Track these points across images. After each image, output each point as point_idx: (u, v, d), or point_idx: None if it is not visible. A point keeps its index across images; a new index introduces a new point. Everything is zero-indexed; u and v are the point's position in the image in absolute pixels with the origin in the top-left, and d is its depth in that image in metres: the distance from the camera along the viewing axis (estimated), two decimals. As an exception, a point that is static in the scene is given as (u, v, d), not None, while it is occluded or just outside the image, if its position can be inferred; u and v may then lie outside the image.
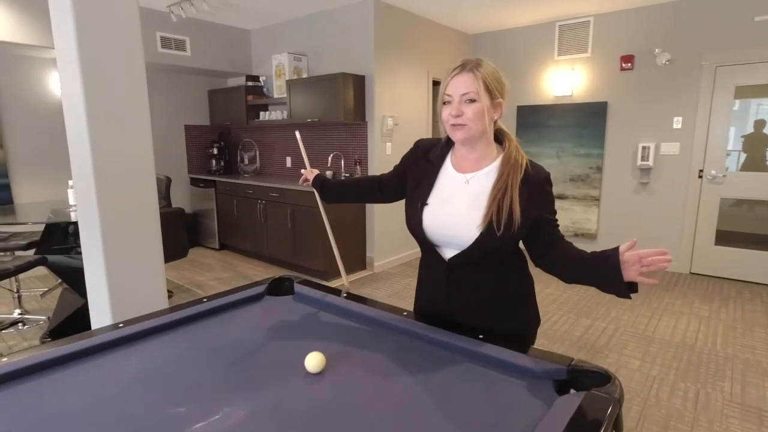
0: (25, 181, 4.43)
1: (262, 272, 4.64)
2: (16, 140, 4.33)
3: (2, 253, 3.12)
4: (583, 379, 1.02)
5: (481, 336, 1.22)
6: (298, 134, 1.82)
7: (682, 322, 3.35)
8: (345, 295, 1.58)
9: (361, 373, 1.10)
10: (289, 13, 4.80)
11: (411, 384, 1.05)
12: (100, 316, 2.11)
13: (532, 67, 5.16)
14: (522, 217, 1.17)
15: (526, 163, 1.21)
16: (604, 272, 1.09)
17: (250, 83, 5.24)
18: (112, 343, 1.25)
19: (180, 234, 2.94)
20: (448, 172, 1.29)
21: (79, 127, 1.92)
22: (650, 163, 4.50)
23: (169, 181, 3.73)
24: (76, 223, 2.64)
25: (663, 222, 4.57)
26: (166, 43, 4.71)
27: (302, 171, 1.76)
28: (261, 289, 1.66)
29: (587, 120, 4.82)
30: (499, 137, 1.28)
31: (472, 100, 1.15)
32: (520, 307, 1.33)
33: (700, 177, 4.33)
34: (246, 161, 5.89)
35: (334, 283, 4.28)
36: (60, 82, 1.95)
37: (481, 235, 1.18)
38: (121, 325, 1.34)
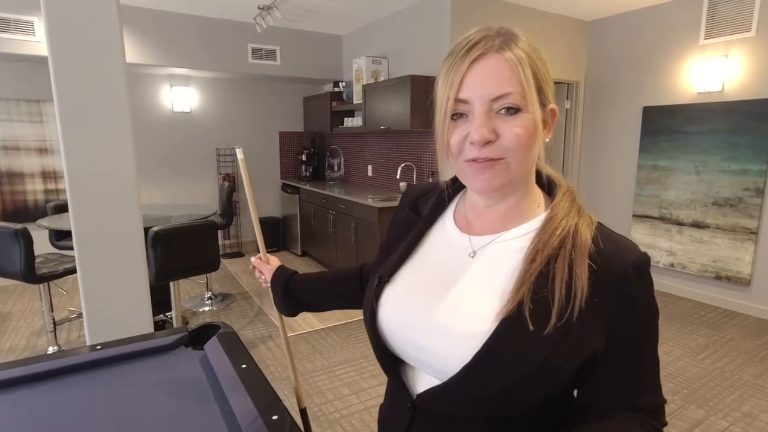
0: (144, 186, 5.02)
1: (328, 285, 4.48)
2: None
3: (67, 252, 3.39)
4: None
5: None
6: (239, 152, 1.10)
7: None
8: (244, 366, 1.24)
9: None
10: (372, 15, 4.54)
11: None
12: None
13: (666, 58, 4.01)
14: (573, 340, 0.57)
15: (595, 232, 0.61)
16: None
17: (335, 89, 5.15)
18: None
19: (211, 247, 2.89)
20: (444, 231, 0.73)
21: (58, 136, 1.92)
22: None
23: (231, 189, 3.78)
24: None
25: None
26: (256, 53, 4.86)
27: (252, 260, 1.16)
28: (170, 340, 1.41)
29: (744, 124, 3.54)
30: (543, 179, 0.70)
31: (515, 109, 0.58)
32: None
33: None
34: (335, 168, 5.85)
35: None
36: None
37: (497, 332, 0.58)
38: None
